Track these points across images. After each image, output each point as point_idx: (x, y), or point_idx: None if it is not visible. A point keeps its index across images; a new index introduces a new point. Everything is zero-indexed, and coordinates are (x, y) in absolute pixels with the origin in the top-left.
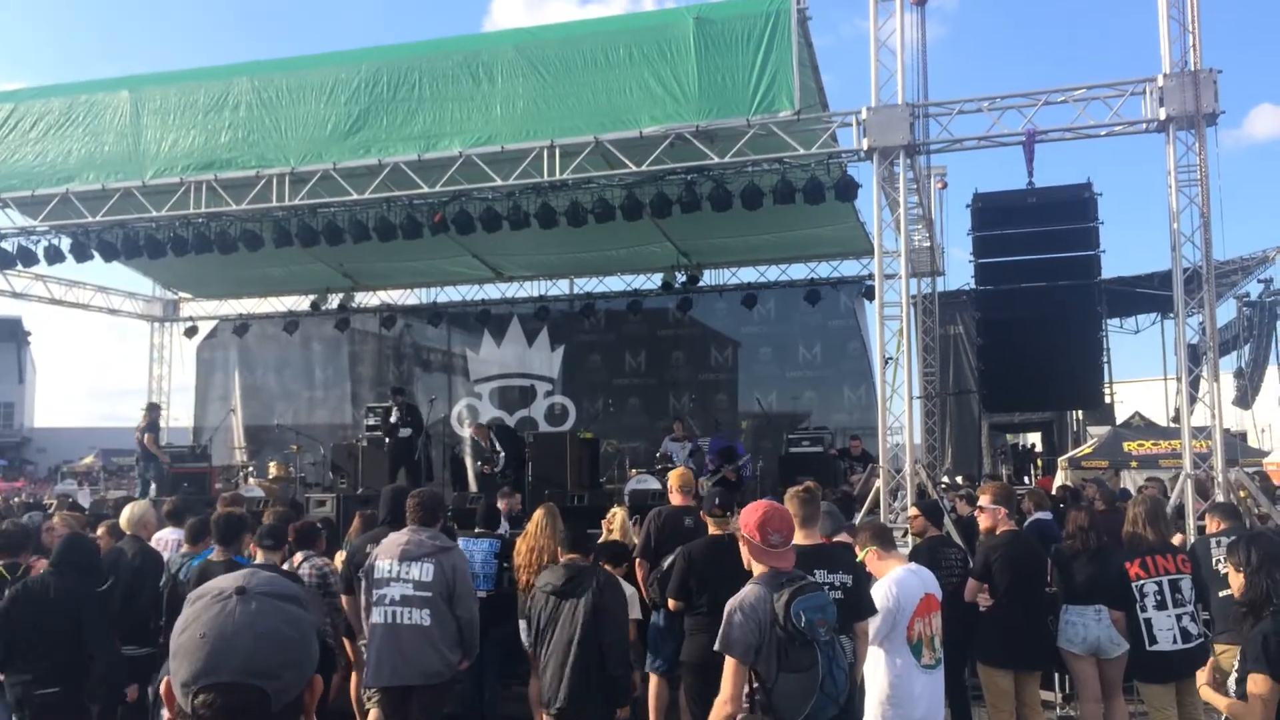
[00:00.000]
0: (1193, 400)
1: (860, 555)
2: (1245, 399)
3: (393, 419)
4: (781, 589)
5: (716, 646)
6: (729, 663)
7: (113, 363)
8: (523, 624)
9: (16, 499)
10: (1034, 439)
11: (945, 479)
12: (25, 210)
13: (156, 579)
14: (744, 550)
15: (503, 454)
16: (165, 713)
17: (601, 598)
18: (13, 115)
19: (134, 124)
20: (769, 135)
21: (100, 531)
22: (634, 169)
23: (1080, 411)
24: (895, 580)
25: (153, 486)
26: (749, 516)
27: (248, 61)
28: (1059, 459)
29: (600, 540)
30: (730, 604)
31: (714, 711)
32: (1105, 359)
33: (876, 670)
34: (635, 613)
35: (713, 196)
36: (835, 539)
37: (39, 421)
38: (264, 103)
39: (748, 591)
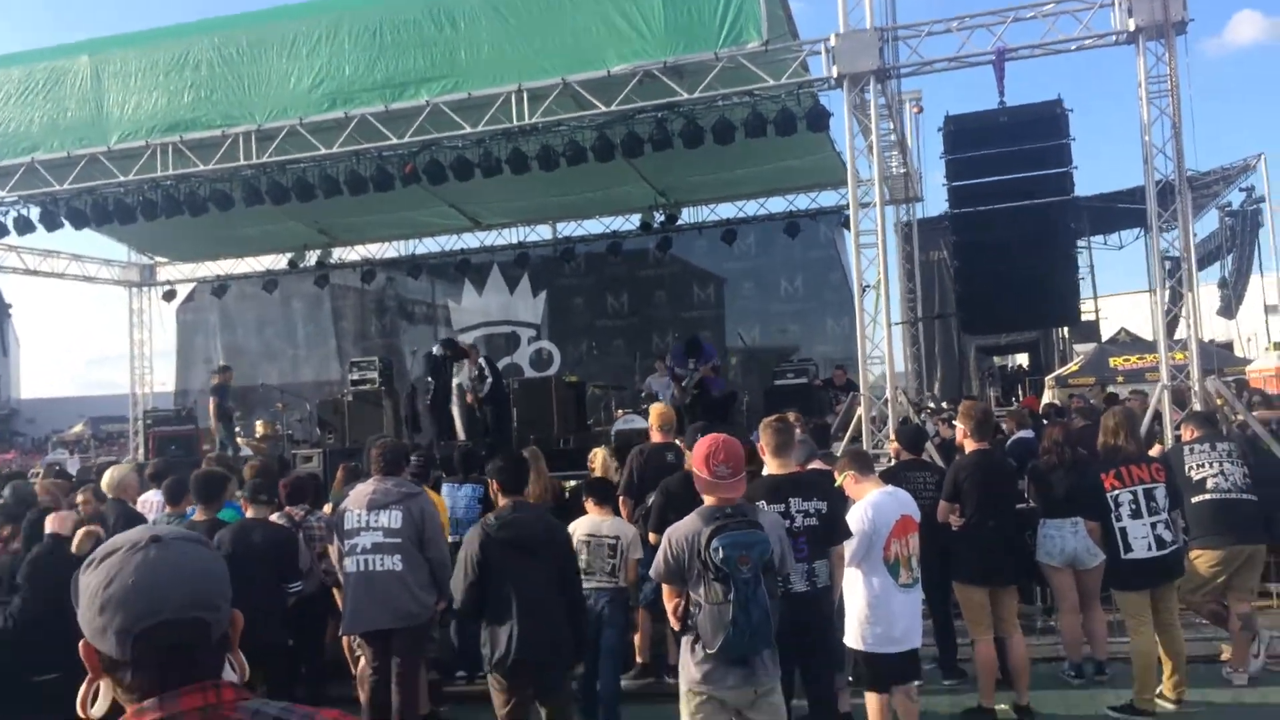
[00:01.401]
0: (1168, 313)
1: (839, 479)
2: (1230, 309)
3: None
4: (711, 523)
5: (650, 571)
6: (662, 584)
7: (97, 330)
8: None
9: (4, 470)
10: (1022, 360)
11: (931, 404)
12: None
13: None
14: (696, 485)
15: (490, 380)
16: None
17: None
18: None
19: (95, 89)
20: (738, 68)
21: (81, 497)
22: (603, 109)
23: (1066, 330)
24: (871, 503)
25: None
26: (697, 452)
27: (206, 19)
28: (1046, 378)
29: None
30: (665, 533)
31: None
32: (1084, 276)
33: (855, 590)
34: (638, 552)
35: (684, 133)
36: (809, 466)
37: (26, 393)
38: (225, 60)
39: (683, 522)
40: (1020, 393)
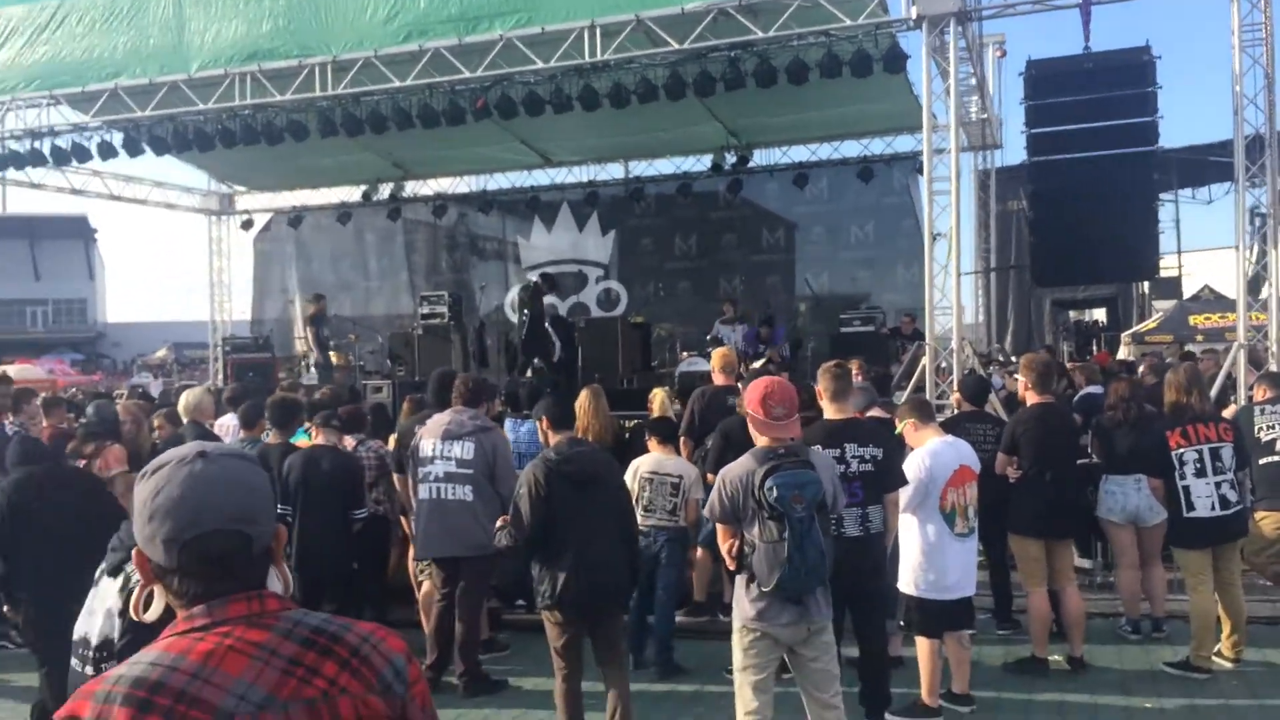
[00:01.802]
0: (1251, 270)
1: (899, 427)
2: None
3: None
4: (765, 463)
5: (704, 511)
6: (717, 524)
7: (181, 257)
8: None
9: (99, 388)
10: (1099, 314)
11: (1000, 357)
12: (76, 106)
13: None
14: (750, 427)
15: (558, 343)
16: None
17: None
18: (59, 12)
19: (177, 16)
20: (814, 7)
21: (157, 421)
22: (676, 47)
23: (1146, 285)
24: (930, 451)
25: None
26: (752, 393)
27: None
28: (1122, 334)
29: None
30: (719, 474)
31: None
32: (1164, 230)
33: (910, 537)
34: (699, 492)
35: (757, 73)
36: (869, 414)
37: (112, 317)
38: None
39: (737, 463)
40: (1095, 348)
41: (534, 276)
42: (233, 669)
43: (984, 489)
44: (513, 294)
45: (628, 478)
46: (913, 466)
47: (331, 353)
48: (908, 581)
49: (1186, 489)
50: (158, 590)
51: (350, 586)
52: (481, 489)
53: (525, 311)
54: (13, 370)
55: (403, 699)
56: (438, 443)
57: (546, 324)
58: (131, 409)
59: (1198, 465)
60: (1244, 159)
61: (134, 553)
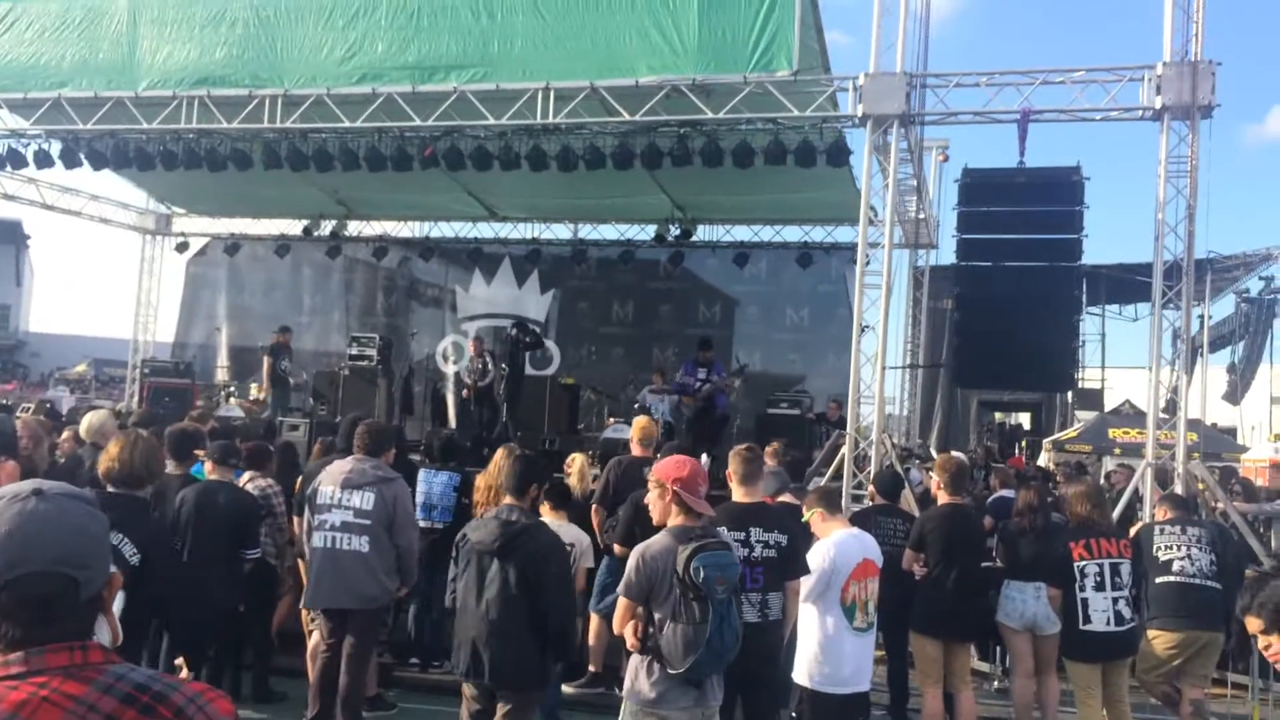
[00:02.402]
0: (1166, 391)
1: (806, 515)
2: (1235, 394)
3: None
4: (689, 542)
5: (619, 586)
6: (620, 601)
7: (110, 271)
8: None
9: (4, 401)
10: (1023, 418)
11: (921, 452)
12: (17, 111)
13: None
14: (664, 501)
15: (495, 370)
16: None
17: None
18: (9, 15)
19: (130, 33)
20: (765, 94)
21: (65, 436)
22: (628, 118)
23: (1070, 394)
24: (835, 543)
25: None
26: (682, 467)
27: None
28: (1044, 440)
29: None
30: (636, 550)
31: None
32: (1090, 342)
33: (809, 628)
34: (589, 561)
35: (704, 152)
36: (779, 499)
37: (35, 326)
38: (261, 21)
39: (656, 541)
40: (1017, 451)
41: (511, 328)
42: None
43: (890, 584)
44: (445, 343)
45: None
46: (816, 557)
47: (254, 385)
48: (802, 672)
49: (1085, 601)
50: None
51: (235, 627)
52: (378, 541)
53: (504, 365)
54: None
55: None
56: (337, 491)
57: (467, 388)
58: (32, 425)
59: (1097, 579)
60: (1162, 283)
61: None
